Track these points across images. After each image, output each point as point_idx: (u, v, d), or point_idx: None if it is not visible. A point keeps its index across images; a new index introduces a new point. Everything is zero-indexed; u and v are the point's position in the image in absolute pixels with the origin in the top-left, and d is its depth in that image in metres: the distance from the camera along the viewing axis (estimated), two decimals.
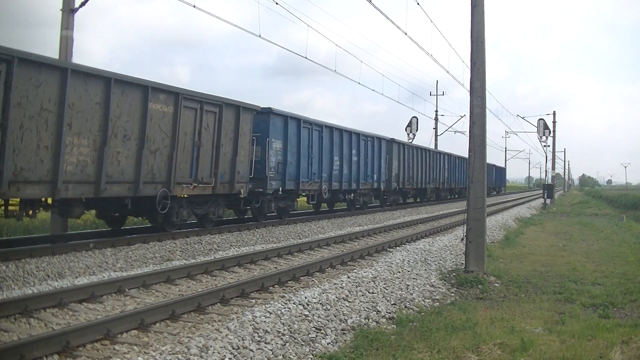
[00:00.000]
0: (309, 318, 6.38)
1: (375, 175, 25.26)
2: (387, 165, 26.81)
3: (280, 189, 17.28)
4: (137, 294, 7.96)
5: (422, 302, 7.92)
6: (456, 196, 43.69)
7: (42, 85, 9.60)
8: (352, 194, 23.23)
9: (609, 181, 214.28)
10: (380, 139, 26.11)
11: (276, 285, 8.68)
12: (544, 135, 42.97)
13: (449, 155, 40.03)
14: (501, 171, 67.72)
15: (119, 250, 11.13)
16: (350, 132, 22.76)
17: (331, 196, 21.68)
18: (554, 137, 45.36)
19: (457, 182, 41.79)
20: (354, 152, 22.81)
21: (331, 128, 21.06)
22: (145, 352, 5.17)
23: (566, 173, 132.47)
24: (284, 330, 5.87)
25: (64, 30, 14.00)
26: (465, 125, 50.02)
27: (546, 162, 46.36)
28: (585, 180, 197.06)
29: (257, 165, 16.20)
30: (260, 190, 16.38)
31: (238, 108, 14.87)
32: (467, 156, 35.41)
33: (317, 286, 8.08)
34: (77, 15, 14.15)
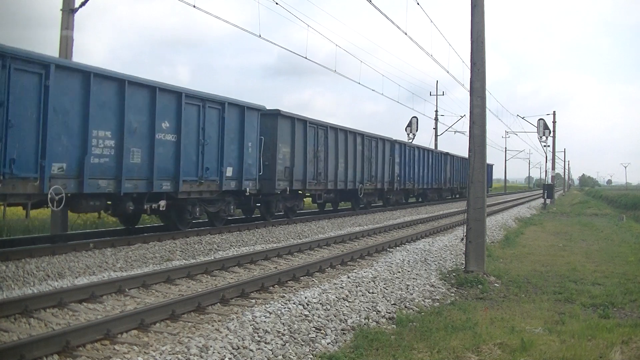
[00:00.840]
0: (309, 318, 6.38)
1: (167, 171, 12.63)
2: (241, 153, 14.84)
3: None
4: (137, 294, 7.97)
5: (422, 302, 7.92)
6: (420, 200, 35.04)
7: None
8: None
9: (609, 181, 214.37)
10: (206, 100, 13.63)
11: (276, 285, 8.68)
12: (543, 135, 42.96)
13: (402, 144, 28.53)
14: (489, 169, 54.24)
15: (119, 250, 11.13)
16: (97, 78, 10.70)
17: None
18: (553, 137, 45.41)
19: (417, 180, 30.79)
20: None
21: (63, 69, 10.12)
22: (145, 352, 5.17)
23: (566, 173, 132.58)
24: (284, 330, 5.87)
25: (64, 30, 14.00)
26: (465, 125, 49.98)
27: (546, 162, 46.44)
28: (585, 180, 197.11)
29: None
30: None
31: None
32: (429, 147, 28.04)
33: (317, 286, 8.08)
34: (77, 15, 14.16)
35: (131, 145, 11.51)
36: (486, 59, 10.28)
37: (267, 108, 16.37)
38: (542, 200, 40.32)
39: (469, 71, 10.28)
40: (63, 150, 10.17)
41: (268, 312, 6.27)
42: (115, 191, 11.25)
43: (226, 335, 5.48)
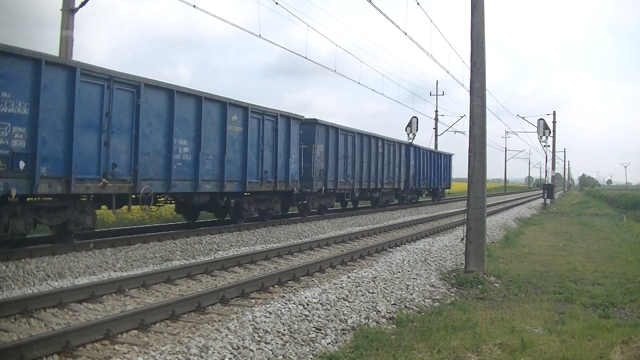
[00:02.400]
0: (309, 318, 6.38)
1: None
2: None
3: None
4: (137, 294, 7.97)
5: (422, 302, 7.92)
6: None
7: None
8: None
9: (609, 181, 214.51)
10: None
11: (276, 285, 8.68)
12: (543, 135, 42.90)
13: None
14: (445, 161, 38.29)
15: (119, 250, 11.13)
16: None
17: None
18: (554, 137, 45.36)
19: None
20: None
21: None
22: (145, 352, 5.17)
23: (566, 173, 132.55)
24: (284, 330, 5.87)
25: (64, 30, 14.02)
26: (465, 125, 49.92)
27: (546, 162, 46.37)
28: (585, 180, 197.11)
29: None
30: None
31: None
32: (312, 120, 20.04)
33: (317, 286, 8.08)
34: (77, 15, 14.17)
35: None
36: (487, 58, 10.28)
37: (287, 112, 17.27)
38: (542, 200, 40.27)
39: (469, 71, 10.28)
40: None
41: (268, 312, 6.27)
42: None
43: (226, 335, 5.48)
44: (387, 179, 26.53)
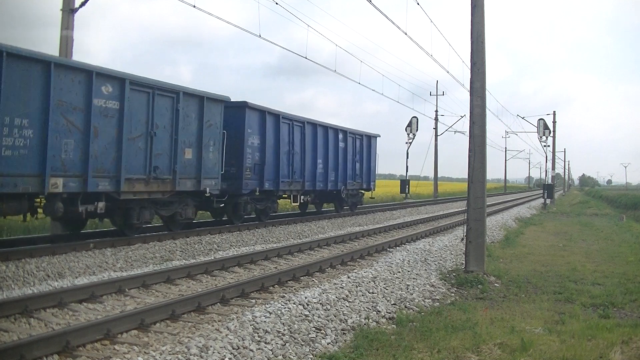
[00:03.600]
0: (309, 318, 6.38)
1: None
2: None
3: None
4: (137, 294, 7.97)
5: (422, 302, 7.92)
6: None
7: None
8: None
9: (609, 181, 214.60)
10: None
11: (276, 285, 8.68)
12: (543, 135, 42.88)
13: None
14: (360, 145, 23.09)
15: (119, 250, 11.13)
16: None
17: None
18: (554, 137, 45.34)
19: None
20: None
21: None
22: (145, 352, 5.17)
23: (566, 173, 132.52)
24: (284, 330, 5.87)
25: (64, 30, 14.01)
26: (465, 125, 49.86)
27: (546, 162, 46.27)
28: (585, 180, 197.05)
29: None
30: None
31: None
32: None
33: (317, 286, 8.08)
34: (78, 15, 14.16)
35: None
36: (489, 58, 10.30)
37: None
38: (542, 200, 40.26)
39: (469, 71, 10.28)
40: None
41: (268, 312, 6.27)
42: None
43: (226, 335, 5.48)
44: (141, 172, 12.04)
